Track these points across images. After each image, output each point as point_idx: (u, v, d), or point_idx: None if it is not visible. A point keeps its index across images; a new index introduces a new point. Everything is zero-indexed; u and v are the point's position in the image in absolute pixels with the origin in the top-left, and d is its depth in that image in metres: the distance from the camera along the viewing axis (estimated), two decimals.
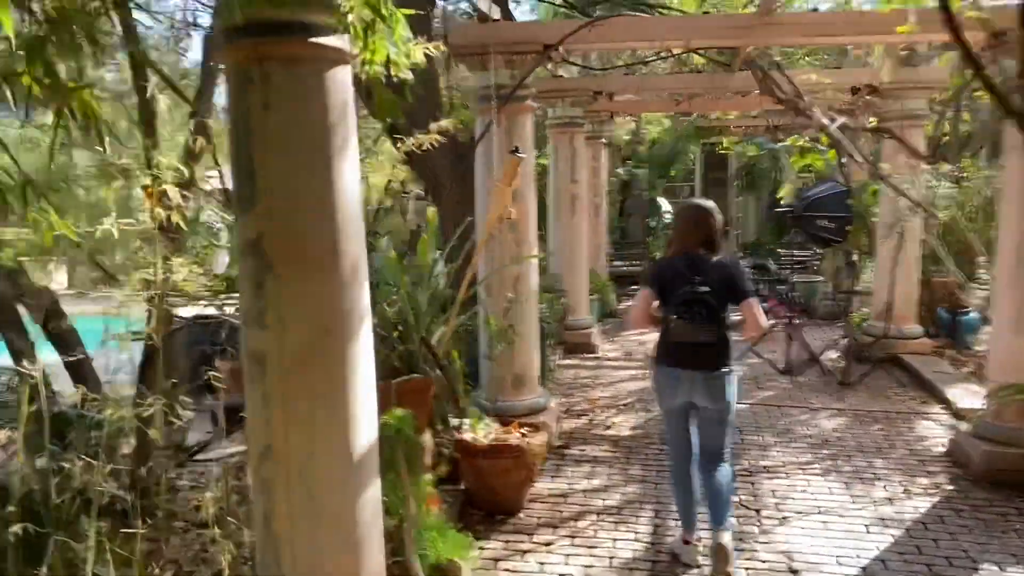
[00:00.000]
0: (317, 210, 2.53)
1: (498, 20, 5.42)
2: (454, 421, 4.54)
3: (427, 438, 4.19)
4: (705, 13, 5.55)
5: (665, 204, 15.71)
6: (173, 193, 2.74)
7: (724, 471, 3.94)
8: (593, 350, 8.71)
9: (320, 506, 2.60)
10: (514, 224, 5.48)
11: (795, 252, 11.64)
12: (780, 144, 13.66)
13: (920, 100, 8.01)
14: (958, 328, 8.32)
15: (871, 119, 9.12)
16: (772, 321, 9.91)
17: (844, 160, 9.19)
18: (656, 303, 3.89)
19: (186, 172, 2.87)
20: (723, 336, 3.78)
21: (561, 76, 8.56)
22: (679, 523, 4.20)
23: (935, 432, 6.00)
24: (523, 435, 4.64)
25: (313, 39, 2.41)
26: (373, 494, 2.75)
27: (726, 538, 3.83)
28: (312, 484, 2.59)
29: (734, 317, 3.81)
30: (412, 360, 4.12)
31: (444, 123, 4.10)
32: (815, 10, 5.65)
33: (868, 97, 9.08)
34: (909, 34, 4.61)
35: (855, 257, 7.33)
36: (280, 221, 2.50)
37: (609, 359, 8.53)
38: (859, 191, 7.64)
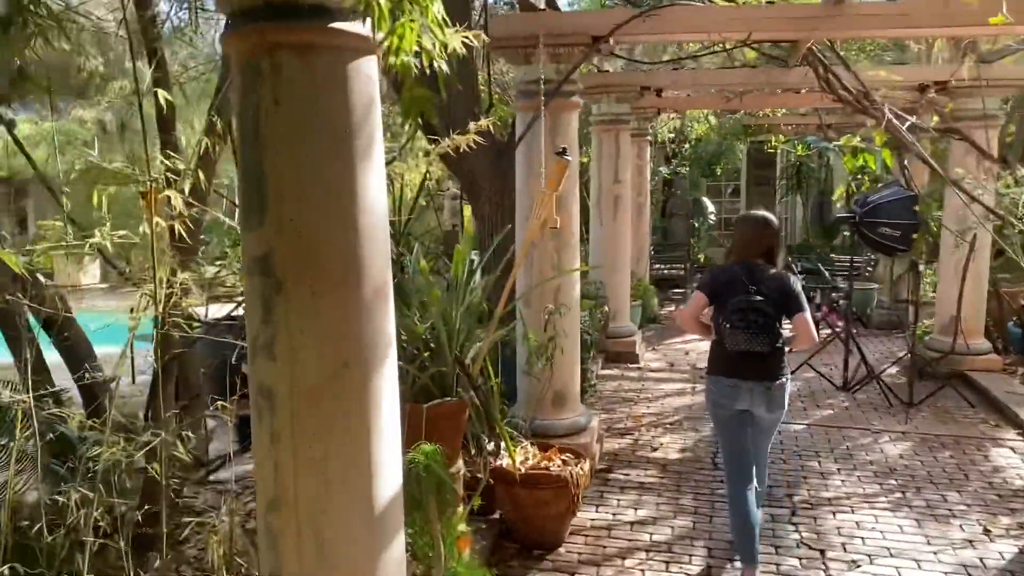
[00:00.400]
0: (336, 222, 2.17)
1: (543, 10, 5.03)
2: (489, 446, 4.17)
3: (459, 465, 3.83)
4: (769, 3, 5.12)
5: (710, 205, 15.20)
6: (176, 199, 2.40)
7: (764, 464, 4.12)
8: (635, 360, 8.29)
9: (335, 565, 2.25)
10: (556, 231, 5.09)
11: (853, 257, 11.10)
12: (833, 144, 13.09)
13: (991, 99, 7.47)
14: None
15: (934, 119, 8.53)
16: (827, 332, 9.41)
17: (906, 162, 8.68)
18: (709, 310, 3.92)
19: (192, 175, 2.53)
20: (778, 346, 3.77)
21: (607, 71, 8.14)
22: (737, 559, 3.90)
23: (1012, 461, 5.50)
24: (564, 462, 4.26)
25: (332, 24, 2.05)
26: (396, 551, 2.39)
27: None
28: (326, 539, 2.23)
29: (786, 332, 3.82)
30: (444, 381, 3.75)
31: (484, 121, 3.73)
32: None
33: (932, 96, 8.56)
34: (1002, 26, 4.14)
35: (921, 267, 6.82)
36: (292, 235, 2.14)
37: (653, 370, 8.10)
38: (926, 197, 7.12)
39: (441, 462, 3.03)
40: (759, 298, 3.70)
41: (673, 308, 11.87)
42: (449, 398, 3.71)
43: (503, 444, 4.14)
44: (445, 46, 1.77)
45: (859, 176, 11.33)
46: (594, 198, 8.39)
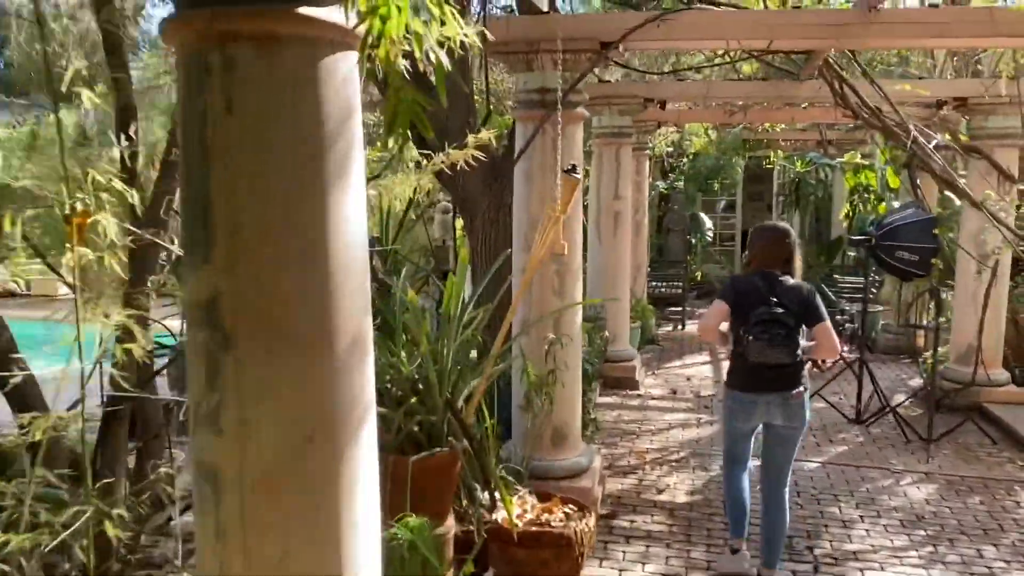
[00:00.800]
0: (302, 260, 1.72)
1: (547, 12, 4.60)
2: (483, 496, 3.71)
3: (449, 524, 3.37)
4: (795, 7, 4.73)
5: (707, 220, 14.80)
6: (108, 224, 1.95)
7: (785, 499, 3.97)
8: (635, 386, 7.84)
9: None
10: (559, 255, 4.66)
11: (868, 279, 10.71)
12: (837, 160, 12.72)
13: (1014, 117, 7.09)
14: None
15: (946, 137, 8.14)
16: (826, 365, 8.98)
17: (919, 182, 8.29)
18: (727, 323, 3.89)
19: (131, 195, 2.07)
20: (797, 356, 3.74)
21: (608, 81, 7.73)
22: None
23: None
24: (567, 515, 3.81)
25: (301, 9, 1.61)
26: None
27: None
28: None
29: (806, 342, 3.81)
30: (434, 429, 3.30)
31: (485, 134, 3.28)
32: (935, 5, 4.74)
33: (944, 113, 8.22)
34: None
35: (944, 294, 6.36)
36: (246, 276, 1.69)
37: (654, 398, 7.65)
38: (946, 219, 6.73)
39: (428, 537, 2.58)
40: (780, 310, 3.69)
41: (671, 328, 11.45)
42: (439, 449, 3.26)
43: (498, 495, 3.68)
44: (445, 35, 1.32)
45: (865, 194, 10.99)
46: (593, 215, 7.96)
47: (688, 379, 8.41)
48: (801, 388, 3.78)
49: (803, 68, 7.13)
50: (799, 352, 3.72)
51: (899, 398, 7.57)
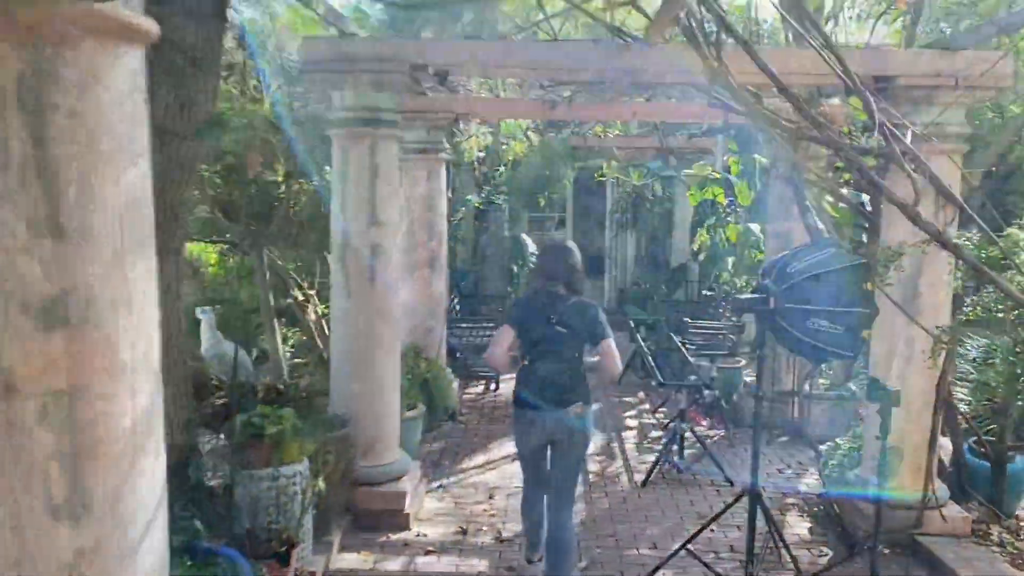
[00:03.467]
0: None
1: None
2: None
3: None
4: None
5: (530, 244, 12.16)
6: None
7: (570, 521, 4.04)
8: (403, 523, 4.89)
9: None
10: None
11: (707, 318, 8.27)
12: (683, 172, 10.41)
13: (957, 110, 4.78)
14: (1003, 485, 5.09)
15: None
16: (684, 464, 6.36)
17: (809, 204, 5.91)
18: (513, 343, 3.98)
19: None
20: (580, 374, 3.93)
21: (353, 35, 4.77)
22: None
23: None
24: None
25: None
26: None
27: None
28: None
29: (590, 359, 3.93)
30: None
31: None
32: None
33: (832, 102, 6.00)
34: None
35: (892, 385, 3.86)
36: None
37: (430, 550, 4.71)
38: (886, 263, 4.26)
39: None
40: (561, 328, 3.82)
41: (482, 390, 8.68)
42: None
43: None
44: None
45: (725, 216, 8.68)
46: (336, 251, 4.99)
47: (491, 496, 5.57)
48: (581, 403, 3.86)
49: (655, 21, 4.51)
50: (580, 369, 3.89)
51: (792, 521, 5.09)
